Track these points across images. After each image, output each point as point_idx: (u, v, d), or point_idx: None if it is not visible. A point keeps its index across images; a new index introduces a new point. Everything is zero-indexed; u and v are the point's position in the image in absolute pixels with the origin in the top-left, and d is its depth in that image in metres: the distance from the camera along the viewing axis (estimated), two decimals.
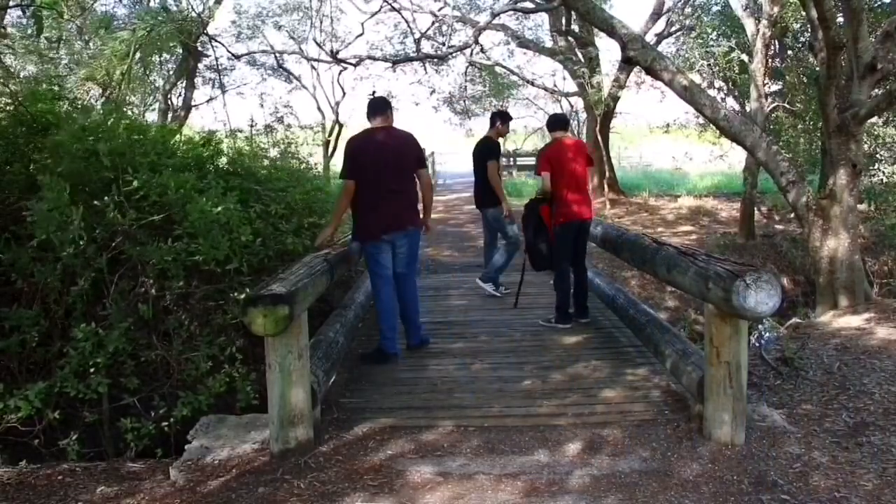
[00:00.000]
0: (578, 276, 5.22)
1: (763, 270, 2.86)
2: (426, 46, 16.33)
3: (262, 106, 15.71)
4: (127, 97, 10.45)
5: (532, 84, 18.17)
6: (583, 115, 17.14)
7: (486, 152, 6.07)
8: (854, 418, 3.44)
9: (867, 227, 9.36)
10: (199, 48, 12.08)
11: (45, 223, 3.49)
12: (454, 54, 15.32)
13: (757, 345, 5.24)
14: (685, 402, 3.54)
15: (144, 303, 3.76)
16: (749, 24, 10.14)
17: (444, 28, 16.78)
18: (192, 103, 13.04)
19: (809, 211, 5.51)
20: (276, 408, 3.06)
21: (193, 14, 10.94)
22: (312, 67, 17.79)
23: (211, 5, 11.42)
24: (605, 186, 14.70)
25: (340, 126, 17.45)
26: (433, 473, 2.91)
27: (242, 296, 3.43)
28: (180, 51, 11.80)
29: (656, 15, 14.76)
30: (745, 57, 11.14)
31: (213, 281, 4.10)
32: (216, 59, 13.92)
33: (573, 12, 10.06)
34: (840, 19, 5.61)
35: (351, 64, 15.66)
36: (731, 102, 13.40)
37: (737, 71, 12.04)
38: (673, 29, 15.11)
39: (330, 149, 16.47)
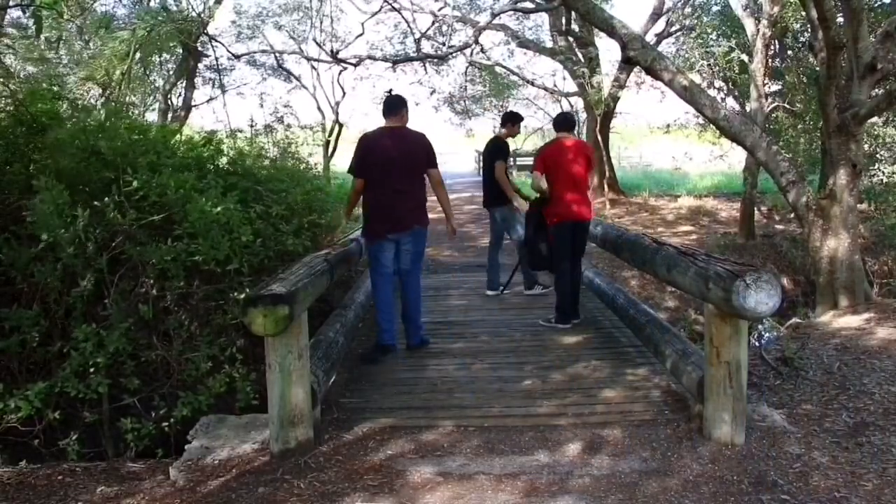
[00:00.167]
0: (573, 277, 5.22)
1: (763, 270, 2.86)
2: (426, 46, 16.33)
3: (261, 106, 15.68)
4: (127, 97, 10.44)
5: (532, 84, 18.20)
6: (583, 115, 17.12)
7: (496, 152, 6.09)
8: (854, 418, 3.44)
9: (867, 227, 9.36)
10: (199, 48, 12.07)
11: (46, 223, 3.49)
12: (454, 54, 15.31)
13: (757, 345, 5.24)
14: (685, 402, 3.55)
15: (145, 303, 3.76)
16: (749, 24, 10.14)
17: (444, 28, 16.78)
18: (192, 103, 13.03)
19: (809, 211, 5.51)
20: (276, 408, 3.06)
21: (193, 14, 10.94)
22: (312, 67, 17.79)
23: (211, 5, 11.42)
24: (605, 186, 14.71)
25: (340, 126, 17.44)
26: (433, 473, 2.91)
27: (242, 296, 3.43)
28: (180, 51, 11.80)
29: (656, 15, 14.77)
30: (745, 57, 11.13)
31: (214, 281, 4.10)
32: (216, 59, 13.93)
33: (573, 12, 10.06)
34: (840, 19, 5.61)
35: (351, 64, 15.65)
36: (731, 102, 13.41)
37: (737, 71, 12.03)
38: (673, 29, 15.12)
39: (330, 149, 16.46)
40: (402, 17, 16.38)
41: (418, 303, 4.67)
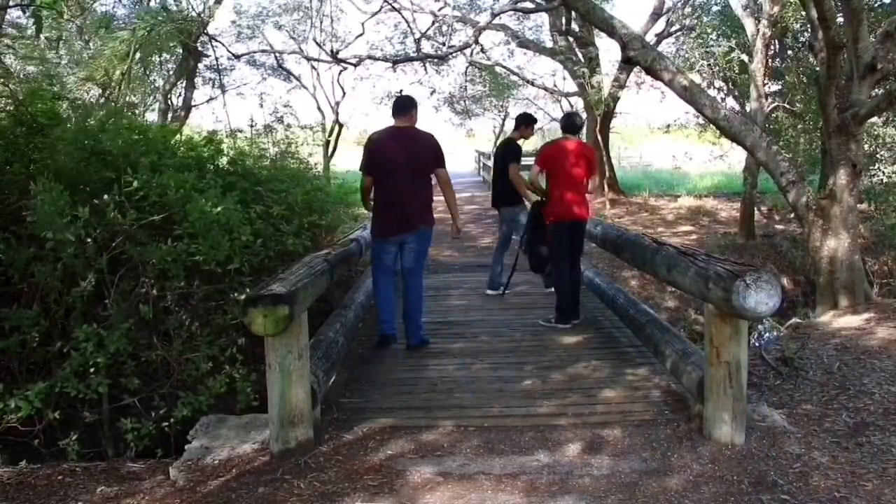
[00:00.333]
0: (573, 278, 5.22)
1: (763, 270, 2.86)
2: (426, 46, 16.35)
3: (261, 106, 15.68)
4: (127, 97, 10.44)
5: (532, 84, 18.21)
6: (583, 115, 17.14)
7: (509, 154, 6.10)
8: (854, 418, 3.44)
9: (867, 227, 9.36)
10: (199, 48, 12.08)
11: (48, 223, 3.49)
12: (454, 54, 15.33)
13: (757, 345, 5.24)
14: (685, 402, 3.54)
15: (145, 303, 3.76)
16: (749, 24, 10.14)
17: (444, 28, 16.80)
18: (192, 103, 13.04)
19: (809, 211, 5.51)
20: (276, 408, 3.06)
21: (193, 14, 10.95)
22: (312, 67, 17.82)
23: (211, 5, 11.42)
24: (605, 186, 14.71)
25: (340, 126, 17.45)
26: (433, 473, 2.91)
27: (243, 296, 3.43)
28: (180, 51, 11.80)
29: (656, 15, 14.77)
30: (745, 57, 11.13)
31: (214, 281, 4.10)
32: (216, 59, 13.94)
33: (573, 12, 10.04)
34: (840, 19, 5.61)
35: (351, 64, 15.66)
36: (731, 102, 13.41)
37: (737, 71, 12.03)
38: (673, 29, 15.12)
39: (330, 149, 16.46)
40: (402, 17, 16.42)
41: (419, 302, 4.68)
